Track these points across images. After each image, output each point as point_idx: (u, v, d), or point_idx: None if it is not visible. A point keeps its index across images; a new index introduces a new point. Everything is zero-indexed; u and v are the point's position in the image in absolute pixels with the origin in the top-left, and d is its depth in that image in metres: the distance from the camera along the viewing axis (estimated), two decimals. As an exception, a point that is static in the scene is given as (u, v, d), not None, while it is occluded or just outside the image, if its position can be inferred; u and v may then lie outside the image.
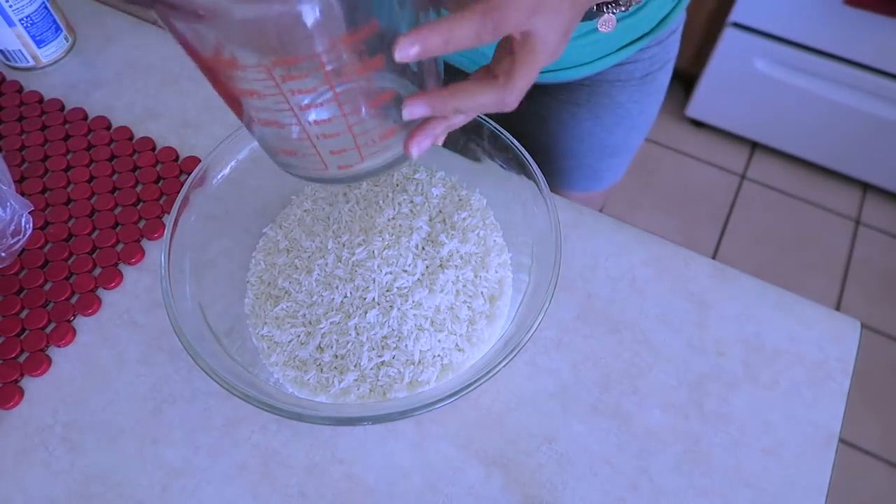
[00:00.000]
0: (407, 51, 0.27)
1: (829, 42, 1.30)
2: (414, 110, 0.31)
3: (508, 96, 0.31)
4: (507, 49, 0.31)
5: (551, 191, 0.44)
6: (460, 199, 0.50)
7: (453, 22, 0.28)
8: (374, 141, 0.34)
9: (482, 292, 0.46)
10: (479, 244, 0.47)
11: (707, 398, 0.46)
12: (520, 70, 0.31)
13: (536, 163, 0.45)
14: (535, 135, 0.69)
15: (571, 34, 0.33)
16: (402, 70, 0.32)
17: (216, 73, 0.30)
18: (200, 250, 0.44)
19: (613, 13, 0.40)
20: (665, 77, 0.65)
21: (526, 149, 0.45)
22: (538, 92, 0.64)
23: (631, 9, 0.40)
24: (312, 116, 0.31)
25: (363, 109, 0.32)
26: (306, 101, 0.30)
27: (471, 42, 0.28)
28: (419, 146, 0.33)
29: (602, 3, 0.38)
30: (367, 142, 0.33)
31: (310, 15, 0.26)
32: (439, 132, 0.33)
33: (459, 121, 0.34)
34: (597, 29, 0.43)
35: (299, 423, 0.45)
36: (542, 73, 0.36)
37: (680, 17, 0.60)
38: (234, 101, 0.32)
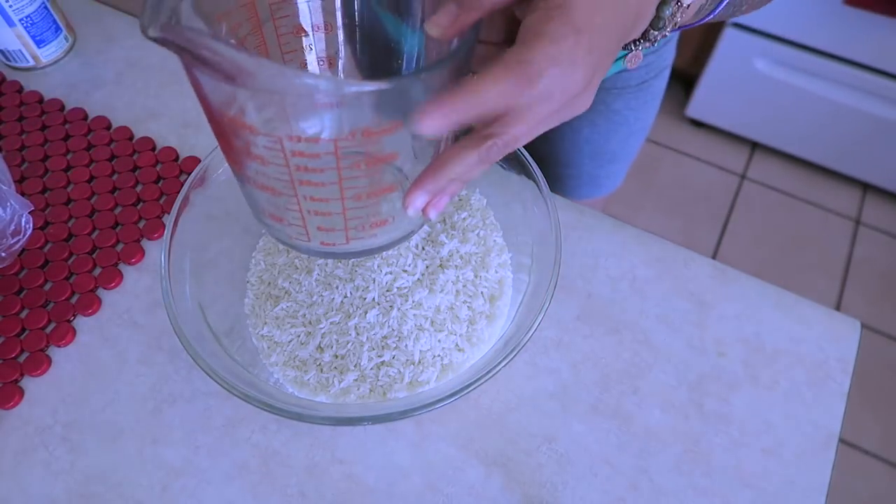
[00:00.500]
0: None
1: (829, 42, 1.30)
2: (415, 203, 0.29)
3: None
4: None
5: None
6: (460, 199, 0.50)
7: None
8: (364, 227, 0.33)
9: (482, 292, 0.46)
10: (479, 244, 0.47)
11: (707, 398, 0.46)
12: (459, 144, 0.26)
13: None
14: (533, 142, 0.68)
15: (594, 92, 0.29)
16: (413, 165, 0.31)
17: (227, 130, 0.29)
18: (200, 250, 0.44)
19: (640, 49, 0.36)
20: (661, 84, 0.65)
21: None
22: None
23: (658, 43, 0.36)
24: (311, 194, 0.31)
25: (364, 198, 0.31)
26: (309, 179, 0.30)
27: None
28: (436, 209, 0.30)
29: (630, 41, 0.34)
30: (357, 226, 0.33)
31: (335, 99, 0.25)
32: (450, 193, 0.30)
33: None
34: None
35: (299, 423, 0.45)
36: None
37: None
38: (235, 158, 0.31)
